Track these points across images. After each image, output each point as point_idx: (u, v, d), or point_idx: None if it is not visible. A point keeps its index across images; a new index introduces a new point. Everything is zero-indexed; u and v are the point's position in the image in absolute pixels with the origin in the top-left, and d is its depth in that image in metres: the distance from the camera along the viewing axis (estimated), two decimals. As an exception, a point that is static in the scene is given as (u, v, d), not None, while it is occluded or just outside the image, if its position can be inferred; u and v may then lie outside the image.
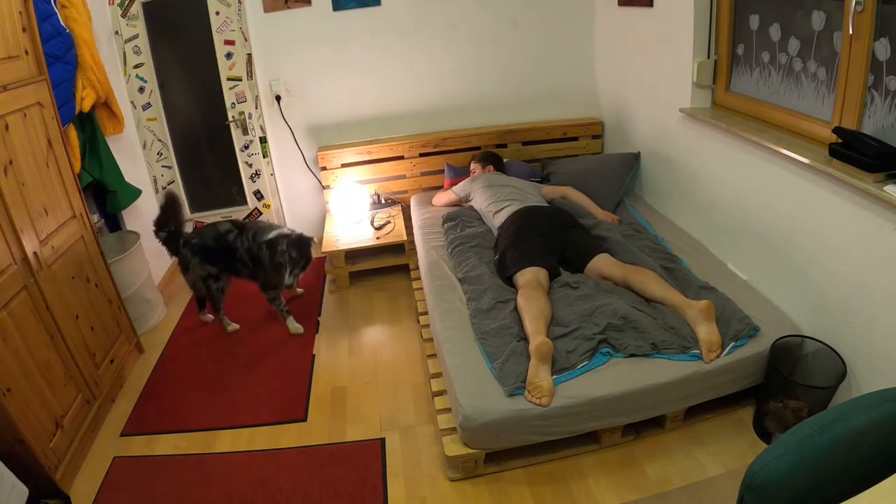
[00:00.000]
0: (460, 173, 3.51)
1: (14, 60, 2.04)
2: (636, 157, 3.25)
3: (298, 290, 3.21)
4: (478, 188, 3.10)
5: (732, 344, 2.02)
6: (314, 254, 2.83)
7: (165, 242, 2.83)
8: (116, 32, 3.21)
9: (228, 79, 3.39)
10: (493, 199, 2.96)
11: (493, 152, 3.43)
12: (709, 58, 2.60)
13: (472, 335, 2.20)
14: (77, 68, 2.57)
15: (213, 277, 2.84)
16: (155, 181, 3.57)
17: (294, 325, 2.93)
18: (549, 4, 3.50)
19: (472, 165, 3.36)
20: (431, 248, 2.92)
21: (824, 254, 2.01)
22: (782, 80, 2.26)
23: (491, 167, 3.30)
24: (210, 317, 3.05)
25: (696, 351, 2.01)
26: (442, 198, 3.32)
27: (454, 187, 3.29)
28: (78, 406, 2.22)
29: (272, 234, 2.69)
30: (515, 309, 2.24)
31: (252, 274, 2.86)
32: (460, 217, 3.08)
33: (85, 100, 2.60)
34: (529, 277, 2.33)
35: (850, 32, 1.82)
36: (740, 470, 1.33)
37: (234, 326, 2.97)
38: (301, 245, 2.69)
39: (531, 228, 2.62)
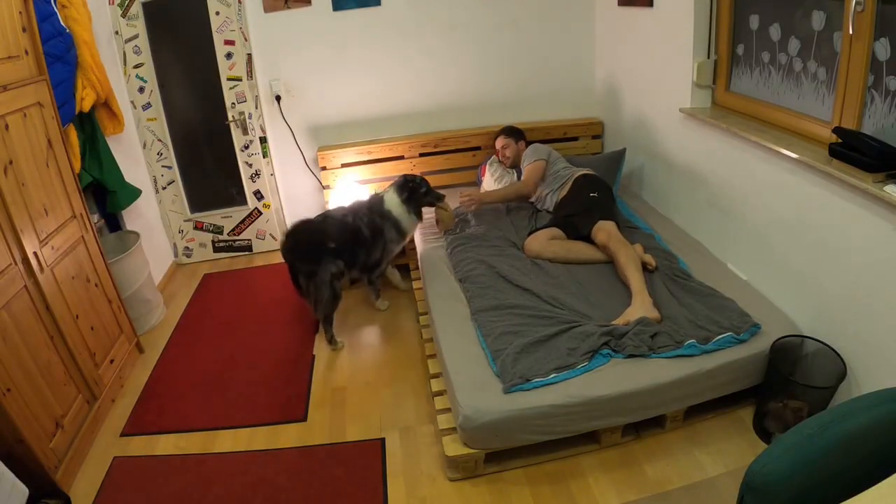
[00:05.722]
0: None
1: (14, 60, 2.05)
2: (622, 153, 3.25)
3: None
4: (555, 153, 3.18)
5: (731, 335, 2.03)
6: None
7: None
8: (116, 32, 3.21)
9: (228, 79, 3.39)
10: (566, 164, 3.15)
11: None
12: (709, 58, 2.60)
13: (472, 335, 2.20)
14: (77, 68, 2.57)
15: (339, 275, 2.69)
16: (155, 181, 3.57)
17: (383, 304, 3.08)
18: (550, 4, 3.50)
19: (518, 143, 3.32)
20: (431, 248, 2.93)
21: (824, 254, 2.01)
22: (782, 80, 2.26)
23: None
24: (343, 342, 2.81)
25: (691, 341, 2.02)
26: (534, 173, 3.07)
27: (537, 157, 3.11)
28: (78, 406, 2.22)
29: (387, 192, 2.86)
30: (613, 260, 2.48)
31: (368, 255, 2.81)
32: (460, 218, 3.09)
33: (85, 100, 2.60)
34: None
35: (850, 32, 1.82)
36: (740, 470, 1.32)
37: (342, 343, 2.79)
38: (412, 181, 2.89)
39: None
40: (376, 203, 2.85)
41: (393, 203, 2.82)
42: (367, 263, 2.87)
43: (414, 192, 2.85)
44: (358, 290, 3.27)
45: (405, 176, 2.93)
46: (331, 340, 2.78)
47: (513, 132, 3.35)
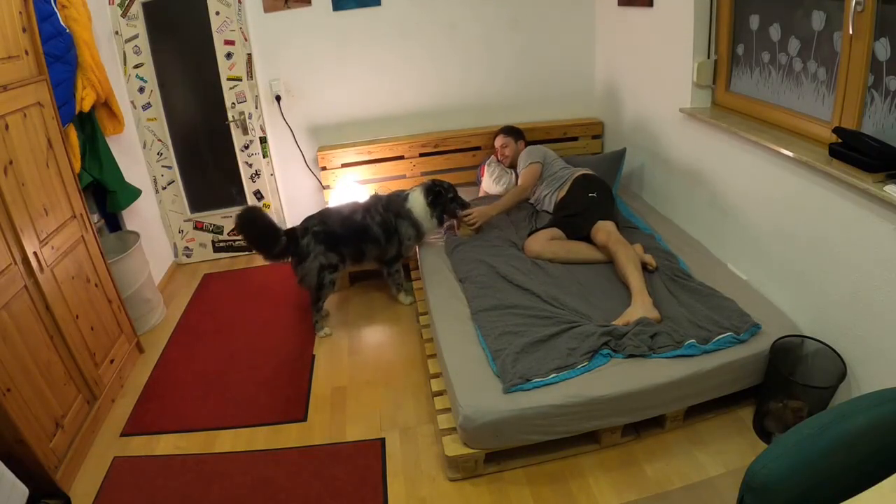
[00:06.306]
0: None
1: (14, 60, 2.05)
2: (622, 153, 3.25)
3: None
4: (551, 154, 3.17)
5: (731, 335, 2.03)
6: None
7: (286, 251, 2.72)
8: (116, 32, 3.21)
9: (228, 79, 3.39)
10: (563, 164, 3.15)
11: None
12: (709, 58, 2.60)
13: (472, 335, 2.20)
14: (77, 68, 2.57)
15: (331, 268, 2.76)
16: (155, 181, 3.57)
17: (406, 298, 3.07)
18: (550, 4, 3.50)
19: (517, 143, 3.32)
20: (431, 249, 2.93)
21: (824, 254, 2.01)
22: (782, 80, 2.26)
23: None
24: (329, 330, 2.89)
25: (691, 341, 2.02)
26: (530, 177, 3.07)
27: (532, 160, 3.09)
28: (78, 406, 2.22)
29: (413, 192, 2.88)
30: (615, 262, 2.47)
31: (381, 252, 2.87)
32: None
33: (85, 100, 2.60)
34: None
35: (850, 32, 1.82)
36: (740, 470, 1.33)
37: (326, 331, 2.87)
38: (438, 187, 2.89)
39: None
40: (396, 201, 2.86)
41: (417, 204, 2.84)
42: (383, 258, 2.92)
43: (439, 197, 2.86)
44: (356, 289, 3.28)
45: (434, 181, 2.92)
46: (315, 324, 2.88)
47: (512, 131, 3.36)
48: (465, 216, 2.91)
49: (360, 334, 2.90)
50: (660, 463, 1.96)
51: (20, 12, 2.07)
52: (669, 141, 2.97)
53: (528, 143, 3.33)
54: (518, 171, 3.18)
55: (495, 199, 3.08)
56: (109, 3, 3.15)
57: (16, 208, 1.97)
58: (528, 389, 1.89)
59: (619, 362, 1.99)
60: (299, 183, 3.73)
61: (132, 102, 3.35)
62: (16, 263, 1.96)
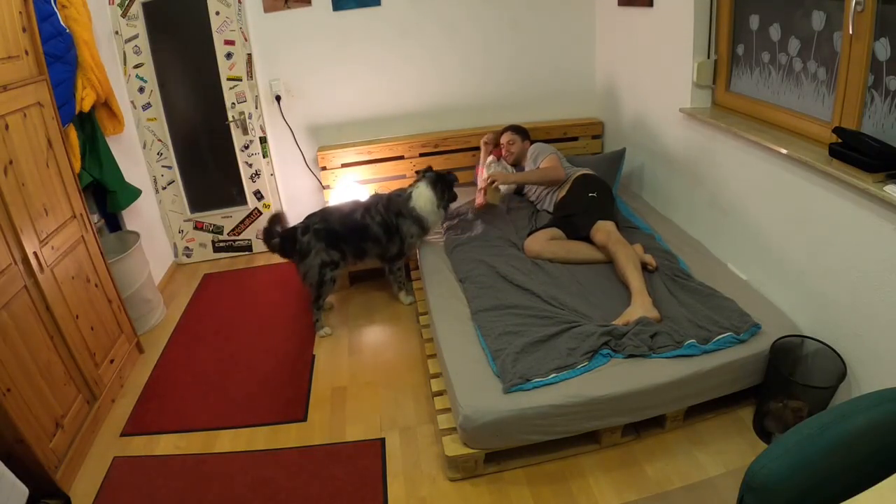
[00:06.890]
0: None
1: (14, 60, 2.05)
2: (622, 153, 3.25)
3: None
4: (558, 152, 3.19)
5: (731, 334, 2.03)
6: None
7: (281, 248, 2.75)
8: (116, 32, 3.21)
9: (228, 79, 3.39)
10: (566, 164, 3.14)
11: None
12: (709, 58, 2.60)
13: (472, 335, 2.20)
14: (77, 68, 2.57)
15: (332, 265, 2.76)
16: (155, 181, 3.57)
17: (407, 298, 3.06)
18: (550, 5, 3.51)
19: (523, 142, 3.32)
20: (431, 248, 2.93)
21: (824, 254, 2.01)
22: (782, 80, 2.26)
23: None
24: (328, 330, 2.89)
25: (691, 341, 2.02)
26: (555, 163, 3.05)
27: (549, 152, 3.11)
28: (78, 406, 2.22)
29: (414, 188, 2.86)
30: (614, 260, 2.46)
31: (382, 250, 2.86)
32: (460, 217, 3.10)
33: (85, 100, 2.61)
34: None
35: (850, 32, 1.82)
36: (740, 470, 1.33)
37: (326, 330, 2.87)
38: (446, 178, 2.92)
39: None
40: (397, 201, 2.84)
41: (423, 199, 2.82)
42: (384, 256, 2.92)
43: (448, 186, 2.87)
44: (356, 289, 3.28)
45: (437, 172, 2.92)
46: (315, 323, 2.88)
47: (519, 130, 3.35)
48: (486, 179, 2.92)
49: (360, 334, 2.90)
50: (660, 463, 1.96)
51: (20, 12, 2.07)
52: (669, 141, 2.97)
53: (532, 143, 3.33)
54: (529, 165, 3.16)
55: (494, 203, 3.07)
56: (109, 3, 3.15)
57: (16, 208, 1.97)
58: (528, 389, 1.89)
59: (619, 362, 1.99)
60: (299, 183, 3.73)
61: (132, 102, 3.35)
62: (16, 263, 1.96)
